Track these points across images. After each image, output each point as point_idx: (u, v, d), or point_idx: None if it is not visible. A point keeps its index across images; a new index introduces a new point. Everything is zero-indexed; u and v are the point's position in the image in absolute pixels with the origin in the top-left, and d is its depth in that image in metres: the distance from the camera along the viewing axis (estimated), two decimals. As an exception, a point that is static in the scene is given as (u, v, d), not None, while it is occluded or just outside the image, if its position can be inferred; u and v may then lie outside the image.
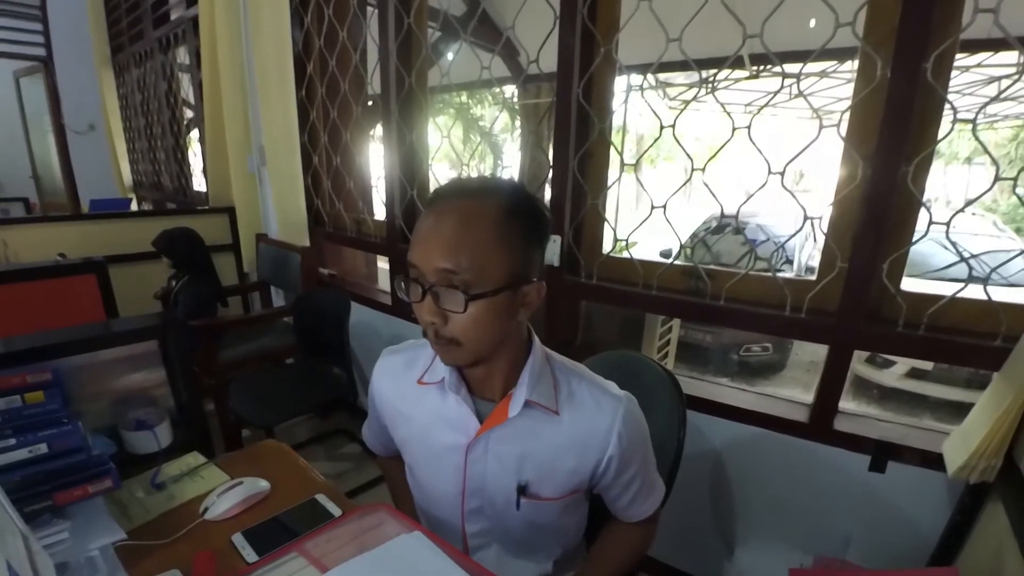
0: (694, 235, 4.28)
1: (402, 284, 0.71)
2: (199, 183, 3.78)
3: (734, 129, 1.19)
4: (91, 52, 4.32)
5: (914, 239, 1.13)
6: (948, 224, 1.08)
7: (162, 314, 1.17)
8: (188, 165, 3.86)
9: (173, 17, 3.43)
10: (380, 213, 2.25)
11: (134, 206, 4.26)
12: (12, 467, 0.76)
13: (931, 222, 1.09)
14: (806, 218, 1.24)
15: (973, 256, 1.13)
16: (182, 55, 3.55)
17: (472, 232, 0.66)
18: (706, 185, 1.27)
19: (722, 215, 1.32)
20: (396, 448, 0.97)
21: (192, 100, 3.53)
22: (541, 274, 0.74)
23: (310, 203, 2.47)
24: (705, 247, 4.17)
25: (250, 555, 0.80)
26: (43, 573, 0.60)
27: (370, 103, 2.24)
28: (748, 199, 1.29)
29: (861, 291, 1.16)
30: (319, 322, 2.12)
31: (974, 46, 3.20)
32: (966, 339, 1.10)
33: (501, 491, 0.82)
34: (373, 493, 2.12)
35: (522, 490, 0.81)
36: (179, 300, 2.38)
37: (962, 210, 1.08)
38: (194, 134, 3.82)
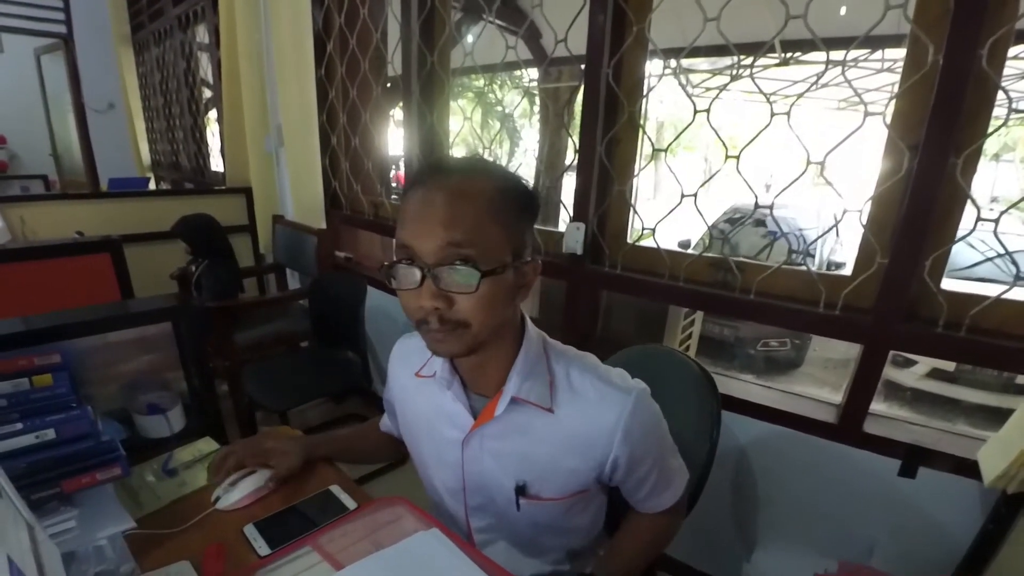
0: (714, 225, 4.21)
1: (391, 272, 0.65)
2: (217, 163, 3.77)
3: (772, 115, 1.13)
4: (111, 30, 4.32)
5: (958, 236, 1.07)
6: (997, 222, 1.02)
7: (176, 295, 1.15)
8: (206, 145, 3.87)
9: (193, -7, 3.39)
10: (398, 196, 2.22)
11: (152, 186, 4.28)
12: (18, 453, 0.74)
13: (979, 218, 1.03)
14: (844, 211, 1.18)
15: (1001, 255, 1.06)
16: (201, 33, 3.52)
17: (470, 207, 0.62)
18: (740, 174, 1.22)
19: (756, 205, 1.26)
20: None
21: (211, 79, 3.51)
22: (535, 253, 0.72)
23: (327, 185, 2.44)
24: (725, 239, 4.11)
25: (262, 548, 0.78)
26: (48, 564, 0.58)
27: (389, 84, 2.20)
28: (785, 189, 1.23)
29: (900, 289, 1.10)
30: (334, 306, 2.11)
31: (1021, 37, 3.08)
32: (1011, 343, 1.04)
33: (500, 490, 0.80)
34: (387, 479, 2.11)
35: (520, 490, 0.78)
36: (202, 284, 2.38)
37: (1014, 206, 1.01)
38: (212, 114, 3.82)
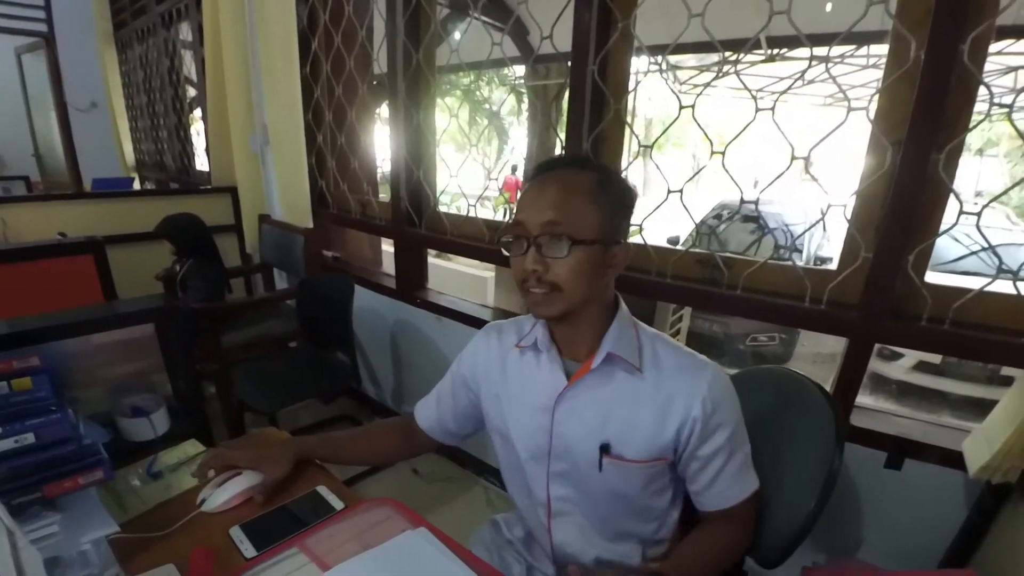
0: (702, 222, 4.23)
1: (506, 242, 0.81)
2: (202, 163, 3.74)
3: (757, 110, 1.14)
4: (93, 28, 4.26)
5: (942, 230, 1.08)
6: (979, 215, 1.03)
7: (159, 296, 1.14)
8: (191, 144, 3.82)
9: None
10: (386, 195, 2.20)
11: (137, 186, 4.22)
12: (-1, 457, 0.72)
13: (961, 212, 1.04)
14: (829, 206, 1.19)
15: (984, 248, 1.08)
16: (185, 31, 3.48)
17: (572, 193, 0.77)
18: (726, 170, 1.22)
19: (742, 201, 1.27)
20: (456, 432, 1.05)
21: (195, 77, 3.47)
22: (627, 241, 0.83)
23: (314, 184, 2.42)
24: (713, 235, 4.12)
25: (248, 550, 0.78)
26: (30, 570, 0.57)
27: (376, 82, 2.18)
28: (770, 184, 1.24)
29: (885, 283, 1.11)
30: (323, 306, 2.09)
31: (1005, 33, 3.12)
32: (994, 335, 1.05)
33: (585, 452, 0.84)
34: (375, 480, 2.10)
35: (605, 449, 0.83)
36: (188, 285, 2.35)
37: (996, 200, 1.02)
38: (197, 113, 3.77)
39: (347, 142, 2.28)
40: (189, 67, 3.60)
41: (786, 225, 4.06)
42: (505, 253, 0.82)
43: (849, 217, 1.16)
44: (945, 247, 3.34)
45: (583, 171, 0.79)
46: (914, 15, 1.01)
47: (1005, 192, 1.08)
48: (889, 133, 1.07)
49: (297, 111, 2.23)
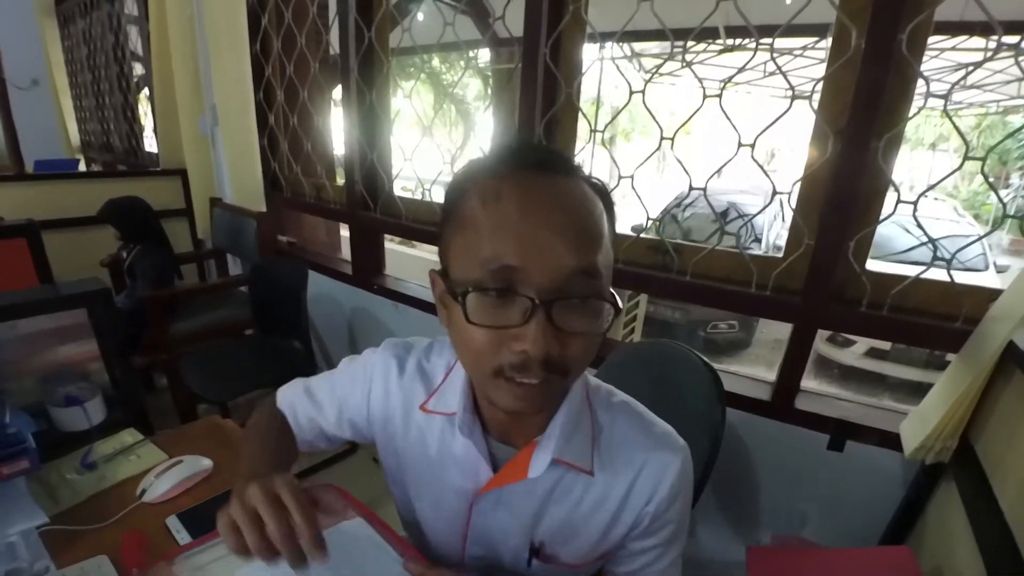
0: (665, 210, 4.28)
1: (475, 300, 0.49)
2: (151, 144, 3.60)
3: (704, 97, 1.15)
4: (32, 1, 4.03)
5: (881, 218, 1.12)
6: (915, 204, 1.06)
7: (91, 280, 1.09)
8: (139, 124, 3.67)
9: (120, -38, 3.20)
10: (342, 178, 2.16)
11: (82, 168, 4.04)
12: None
13: (899, 201, 1.07)
14: (775, 193, 1.22)
15: (935, 239, 1.12)
16: (130, 5, 3.32)
17: (596, 221, 0.50)
18: (676, 158, 1.23)
19: (690, 188, 1.28)
20: (306, 440, 0.81)
21: (141, 54, 3.33)
22: None
23: (266, 166, 2.35)
24: (675, 222, 4.17)
25: (184, 538, 0.76)
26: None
27: (330, 62, 2.12)
28: (716, 172, 1.26)
29: (827, 269, 1.14)
30: (276, 292, 2.04)
31: (946, 28, 3.23)
32: (928, 320, 1.10)
33: (509, 548, 0.68)
34: (334, 470, 2.08)
35: (536, 551, 0.67)
36: (136, 272, 2.27)
37: (930, 189, 1.06)
38: (145, 92, 3.62)
39: (300, 123, 2.22)
40: (135, 43, 3.44)
41: (744, 214, 4.13)
42: (469, 316, 0.49)
43: (793, 205, 1.18)
44: (896, 238, 3.48)
45: (576, 178, 0.52)
46: (856, 5, 1.02)
47: (939, 182, 1.12)
48: (831, 122, 1.09)
49: (247, 90, 2.16)
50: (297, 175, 2.31)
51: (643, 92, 1.25)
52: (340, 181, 2.14)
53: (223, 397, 1.91)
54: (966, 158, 1.00)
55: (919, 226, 1.10)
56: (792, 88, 1.11)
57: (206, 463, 0.93)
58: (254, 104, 2.20)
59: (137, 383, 1.18)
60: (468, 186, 0.52)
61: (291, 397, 0.82)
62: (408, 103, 1.90)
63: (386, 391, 0.73)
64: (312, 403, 0.79)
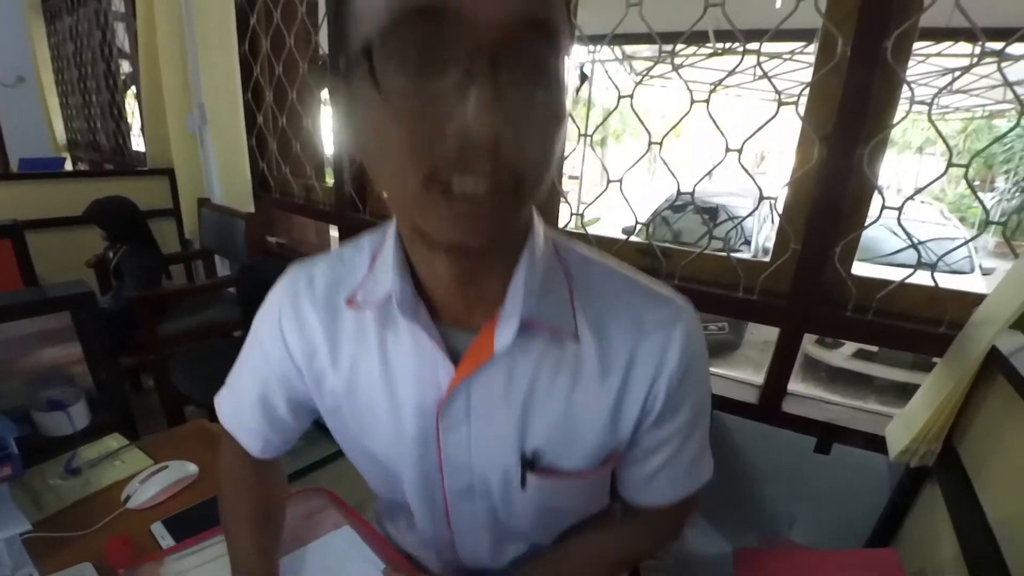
0: (655, 212, 4.30)
1: (389, 51, 0.34)
2: (138, 143, 3.56)
3: (692, 102, 1.15)
4: (19, -3, 3.98)
5: (867, 223, 1.13)
6: (900, 209, 1.07)
7: (76, 283, 1.07)
8: (126, 123, 3.63)
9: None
10: (332, 179, 2.14)
11: (69, 167, 4.00)
12: None
13: (884, 206, 1.08)
14: (762, 198, 1.22)
15: (921, 243, 1.13)
16: (117, 2, 3.29)
17: None
18: (664, 161, 1.24)
19: (678, 192, 1.29)
20: (283, 439, 0.68)
21: (129, 52, 3.29)
22: None
23: (255, 167, 2.33)
24: (666, 224, 4.18)
25: (169, 545, 0.75)
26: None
27: (321, 63, 2.11)
28: (704, 176, 1.27)
29: (813, 274, 1.15)
30: (265, 293, 2.02)
31: (932, 34, 3.26)
32: (912, 325, 1.11)
33: (496, 466, 0.55)
34: (317, 475, 2.06)
35: (530, 463, 0.54)
36: (123, 273, 2.24)
37: (913, 196, 1.07)
38: (132, 90, 3.59)
39: (289, 124, 2.20)
40: (122, 40, 3.40)
41: (735, 216, 4.16)
42: (379, 84, 0.35)
43: (780, 210, 1.19)
44: (884, 240, 3.51)
45: None
46: (842, 11, 1.03)
47: (924, 188, 1.13)
48: (817, 128, 1.09)
49: (236, 90, 2.14)
50: (286, 176, 2.29)
51: (631, 96, 1.25)
52: (329, 182, 2.13)
53: (211, 399, 1.89)
54: (949, 165, 1.01)
55: (904, 231, 1.11)
56: (779, 94, 1.12)
57: (191, 469, 0.93)
58: (243, 104, 2.18)
59: (122, 387, 1.17)
60: None
61: (229, 415, 0.70)
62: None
63: (298, 319, 0.58)
64: (249, 404, 0.66)
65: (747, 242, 4.26)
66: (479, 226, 0.38)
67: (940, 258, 1.07)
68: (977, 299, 1.02)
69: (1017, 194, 10.00)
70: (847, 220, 1.12)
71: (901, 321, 1.12)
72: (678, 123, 1.23)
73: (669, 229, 3.32)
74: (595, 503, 0.65)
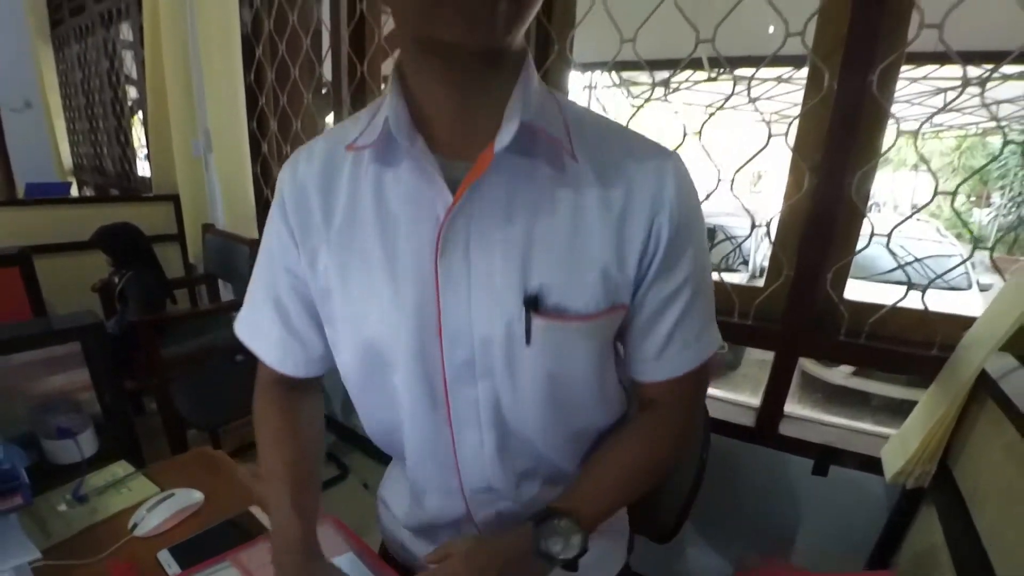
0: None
1: None
2: (144, 168, 3.62)
3: (684, 135, 1.19)
4: (27, 24, 4.05)
5: (857, 249, 1.15)
6: (889, 236, 1.10)
7: (86, 313, 1.10)
8: (132, 148, 3.68)
9: (116, -11, 3.24)
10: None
11: (75, 190, 4.04)
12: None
13: (873, 234, 1.11)
14: (754, 225, 1.25)
15: (917, 260, 1.16)
16: (125, 31, 3.36)
17: None
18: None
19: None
20: (302, 349, 0.65)
21: (135, 78, 3.36)
22: None
23: (259, 193, 2.37)
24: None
25: (175, 571, 0.76)
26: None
27: (324, 91, 2.16)
28: (703, 199, 1.29)
29: (806, 299, 1.17)
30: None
31: (922, 58, 3.31)
32: (905, 348, 1.13)
33: (499, 317, 0.52)
34: (324, 497, 2.06)
35: (534, 304, 0.51)
36: (127, 297, 2.27)
37: (901, 224, 1.10)
38: (139, 116, 3.65)
39: (292, 151, 2.24)
40: (129, 68, 3.48)
41: (736, 237, 4.19)
42: None
43: (773, 238, 1.22)
44: (880, 258, 3.54)
45: None
46: (828, 46, 1.07)
47: (913, 215, 1.16)
48: (807, 157, 1.13)
49: (241, 118, 2.18)
50: (290, 202, 2.33)
51: (628, 122, 1.28)
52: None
53: (214, 423, 1.91)
54: (936, 193, 1.04)
55: (893, 256, 1.14)
56: (768, 124, 1.15)
57: (197, 496, 0.93)
58: (247, 132, 2.23)
59: (129, 414, 1.19)
60: None
61: (248, 330, 0.69)
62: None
63: (297, 188, 0.58)
64: (264, 311, 0.65)
65: (745, 262, 4.29)
66: (482, 23, 0.41)
67: (931, 282, 1.10)
68: (967, 322, 1.04)
69: (1013, 209, 10.06)
70: (838, 246, 1.15)
71: (894, 344, 1.14)
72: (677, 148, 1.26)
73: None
74: (599, 396, 0.61)
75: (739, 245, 3.90)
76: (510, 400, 0.56)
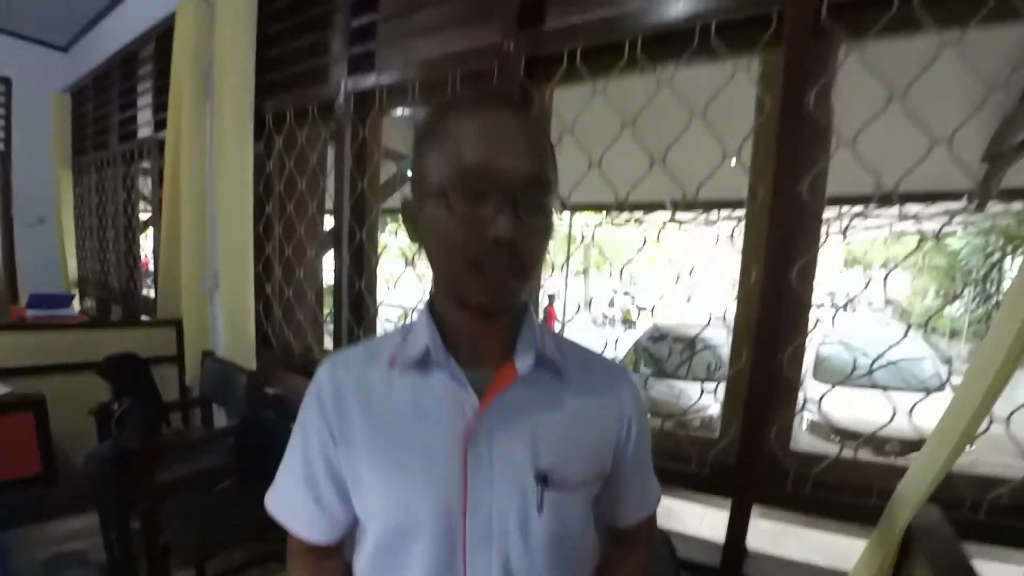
0: (637, 343, 4.46)
1: (454, 194, 0.59)
2: (148, 290, 3.78)
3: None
4: (51, 152, 4.33)
5: (798, 410, 1.29)
6: (819, 402, 1.23)
7: (101, 481, 1.15)
8: (139, 271, 3.85)
9: (140, 136, 3.52)
10: (328, 342, 2.34)
11: (76, 303, 4.14)
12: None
13: (806, 402, 1.24)
14: (703, 392, 1.37)
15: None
16: (143, 180, 3.64)
17: (547, 143, 0.65)
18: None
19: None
20: (330, 521, 0.74)
21: (150, 211, 3.57)
22: None
23: (260, 328, 2.53)
24: (648, 354, 4.34)
25: None
26: None
27: (328, 234, 2.38)
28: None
29: (754, 453, 1.29)
30: (264, 444, 2.10)
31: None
32: (847, 498, 1.23)
33: (514, 494, 0.65)
34: None
35: (544, 480, 0.65)
36: (125, 424, 2.33)
37: (845, 381, 1.22)
38: (149, 244, 3.82)
39: (294, 296, 2.45)
40: (144, 189, 3.71)
41: (713, 345, 4.32)
42: (451, 206, 0.59)
43: (721, 397, 1.36)
44: (848, 361, 3.60)
45: (533, 115, 0.66)
46: (762, 163, 1.28)
47: (868, 370, 1.30)
48: (752, 260, 1.29)
49: (248, 265, 2.38)
50: (288, 338, 2.51)
51: (592, 241, 1.45)
52: (328, 345, 2.32)
53: (204, 554, 1.91)
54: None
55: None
56: (718, 235, 1.32)
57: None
58: (253, 275, 2.42)
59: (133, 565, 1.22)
60: (450, 109, 0.63)
61: (280, 504, 0.77)
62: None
63: (336, 392, 0.70)
64: (296, 488, 0.74)
65: (719, 368, 4.39)
66: (499, 296, 0.62)
67: (863, 440, 1.20)
68: (900, 471, 1.10)
69: (983, 304, 10.35)
70: (781, 403, 1.29)
71: (836, 494, 1.25)
72: (630, 260, 1.43)
73: (652, 358, 3.46)
74: (587, 530, 0.75)
75: (686, 359, 4.03)
76: (521, 559, 0.67)
